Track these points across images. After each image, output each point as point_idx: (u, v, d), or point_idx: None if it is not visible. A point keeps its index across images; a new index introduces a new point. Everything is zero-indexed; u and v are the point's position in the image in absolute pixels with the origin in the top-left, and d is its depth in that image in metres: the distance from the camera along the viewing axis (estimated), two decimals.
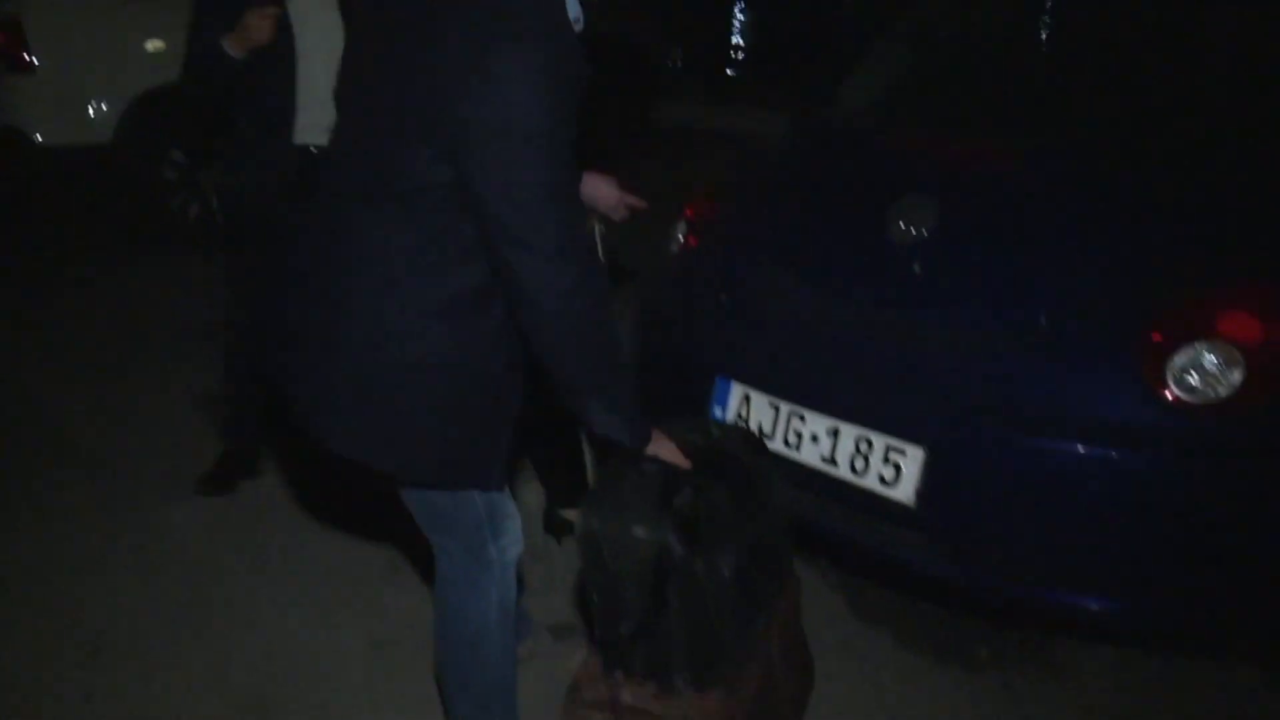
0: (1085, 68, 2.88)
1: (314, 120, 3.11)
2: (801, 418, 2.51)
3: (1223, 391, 2.12)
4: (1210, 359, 2.14)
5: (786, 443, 2.54)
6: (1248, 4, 2.73)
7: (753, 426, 2.59)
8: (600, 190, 2.59)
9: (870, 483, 2.40)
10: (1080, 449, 2.15)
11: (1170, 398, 2.14)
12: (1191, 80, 2.68)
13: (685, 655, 1.84)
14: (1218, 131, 2.53)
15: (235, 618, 2.95)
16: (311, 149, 3.17)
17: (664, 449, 1.89)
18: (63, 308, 5.39)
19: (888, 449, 2.36)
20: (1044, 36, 3.02)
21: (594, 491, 1.86)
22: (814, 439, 2.48)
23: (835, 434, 2.45)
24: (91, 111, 5.56)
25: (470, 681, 2.18)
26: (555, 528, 3.23)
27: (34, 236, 6.31)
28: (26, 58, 5.44)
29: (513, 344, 1.83)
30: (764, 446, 2.09)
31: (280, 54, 3.07)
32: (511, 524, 2.07)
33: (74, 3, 5.53)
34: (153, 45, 5.66)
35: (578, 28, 1.68)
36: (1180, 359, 2.15)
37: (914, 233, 2.53)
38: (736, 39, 13.88)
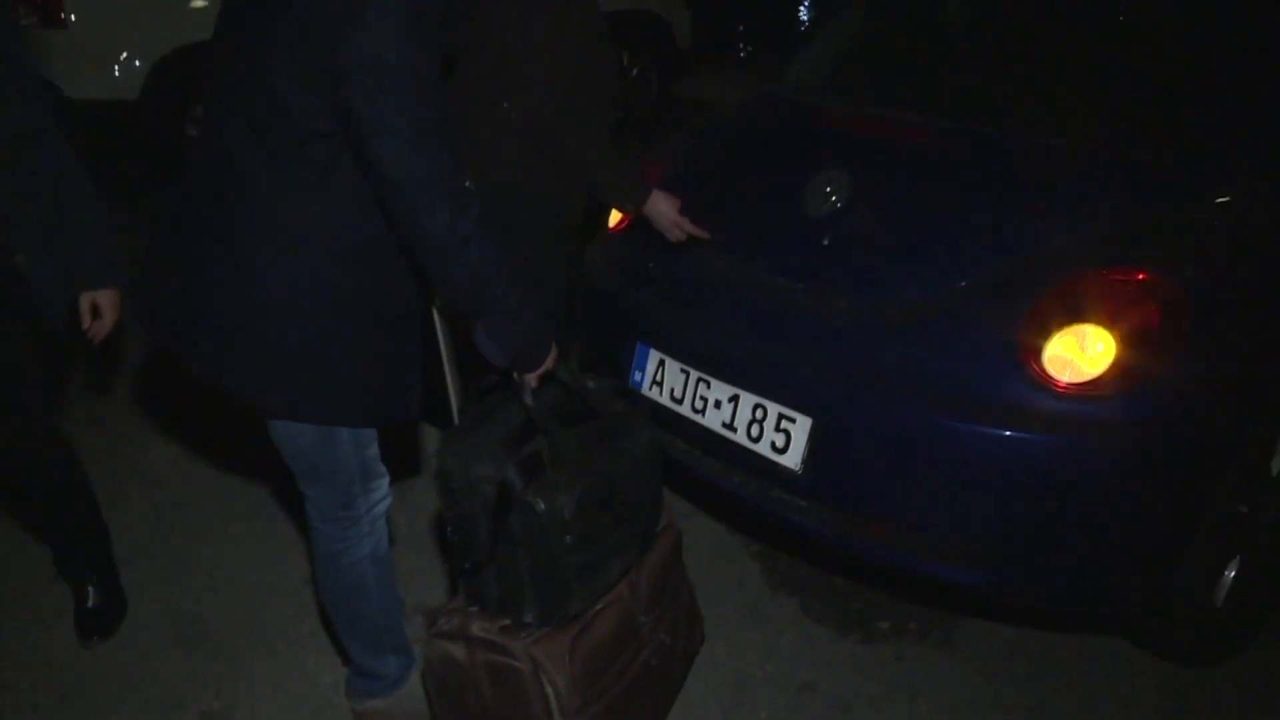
0: (1005, 55, 2.91)
1: None
2: (707, 384, 2.58)
3: (1092, 373, 2.16)
4: (1082, 342, 2.17)
5: (694, 408, 2.62)
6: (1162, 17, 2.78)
7: (666, 391, 2.68)
8: (659, 209, 2.73)
9: (764, 449, 2.47)
10: (954, 424, 2.20)
11: (1044, 378, 2.18)
12: (1103, 78, 2.70)
13: (532, 591, 1.93)
14: (1113, 130, 2.57)
15: (187, 548, 3.12)
16: None
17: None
18: None
19: (780, 417, 2.43)
20: (977, 22, 3.06)
21: (452, 431, 1.97)
22: (717, 405, 2.56)
23: (735, 400, 2.52)
24: (118, 69, 5.74)
25: (357, 627, 2.30)
26: None
27: None
28: (62, 15, 5.64)
29: (413, 289, 1.95)
30: (633, 401, 2.18)
31: None
32: (382, 481, 2.18)
33: None
34: (197, 2, 5.82)
35: None
36: (1054, 341, 2.19)
37: (827, 206, 2.60)
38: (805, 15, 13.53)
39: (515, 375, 1.94)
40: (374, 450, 2.14)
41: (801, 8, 13.17)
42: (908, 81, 2.97)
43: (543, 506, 1.87)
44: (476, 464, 1.89)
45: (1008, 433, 2.17)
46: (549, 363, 1.96)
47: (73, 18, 5.67)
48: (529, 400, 1.95)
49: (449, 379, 2.11)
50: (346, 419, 2.00)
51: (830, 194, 2.61)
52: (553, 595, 1.95)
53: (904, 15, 3.25)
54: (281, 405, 1.94)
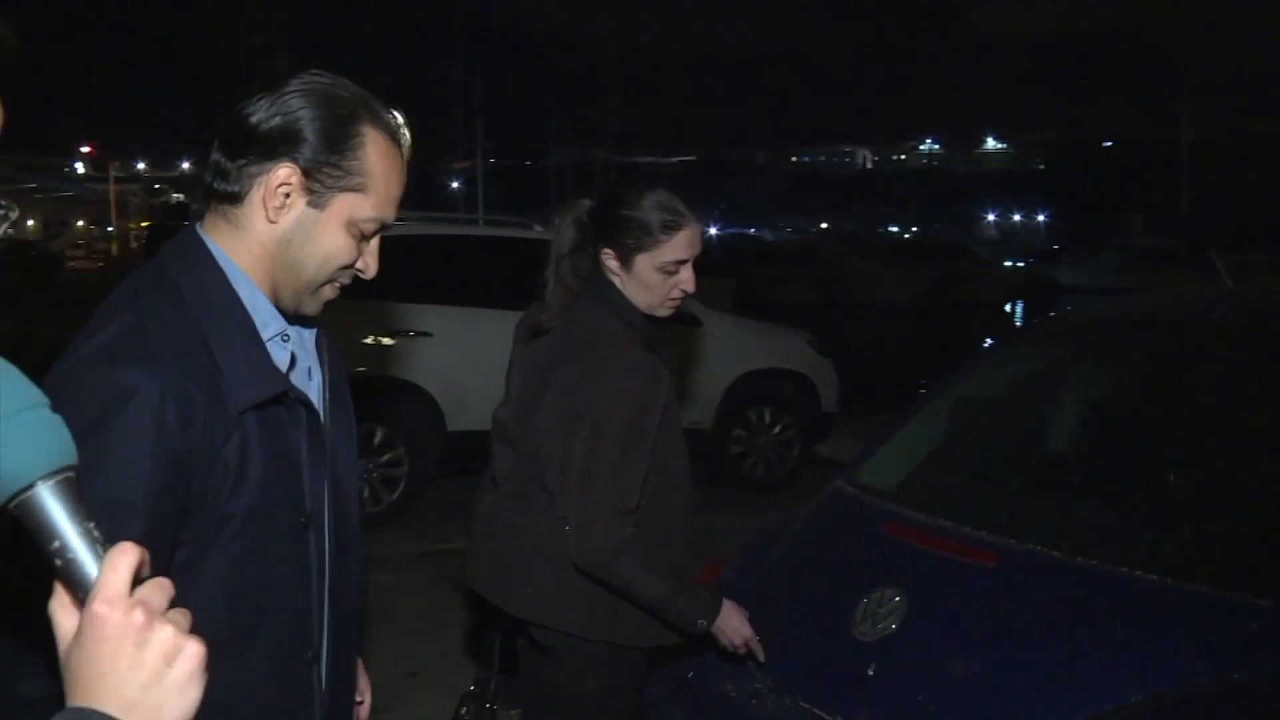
0: (1097, 477, 2.68)
1: None
2: None
3: None
4: None
5: None
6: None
7: None
8: (732, 624, 2.42)
9: None
10: None
11: None
12: (1214, 510, 2.43)
13: None
14: (1219, 568, 2.26)
15: None
16: None
17: None
18: None
19: None
20: (1069, 440, 2.85)
21: None
22: None
23: None
24: None
25: None
26: None
27: None
28: None
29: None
30: None
31: None
32: None
33: None
34: None
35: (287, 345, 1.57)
36: None
37: (878, 630, 2.36)
38: None
39: None
40: None
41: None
42: (984, 497, 2.76)
43: None
44: None
45: None
46: None
47: None
48: None
49: None
50: None
51: (882, 616, 2.37)
52: None
53: (989, 430, 3.08)
54: None
